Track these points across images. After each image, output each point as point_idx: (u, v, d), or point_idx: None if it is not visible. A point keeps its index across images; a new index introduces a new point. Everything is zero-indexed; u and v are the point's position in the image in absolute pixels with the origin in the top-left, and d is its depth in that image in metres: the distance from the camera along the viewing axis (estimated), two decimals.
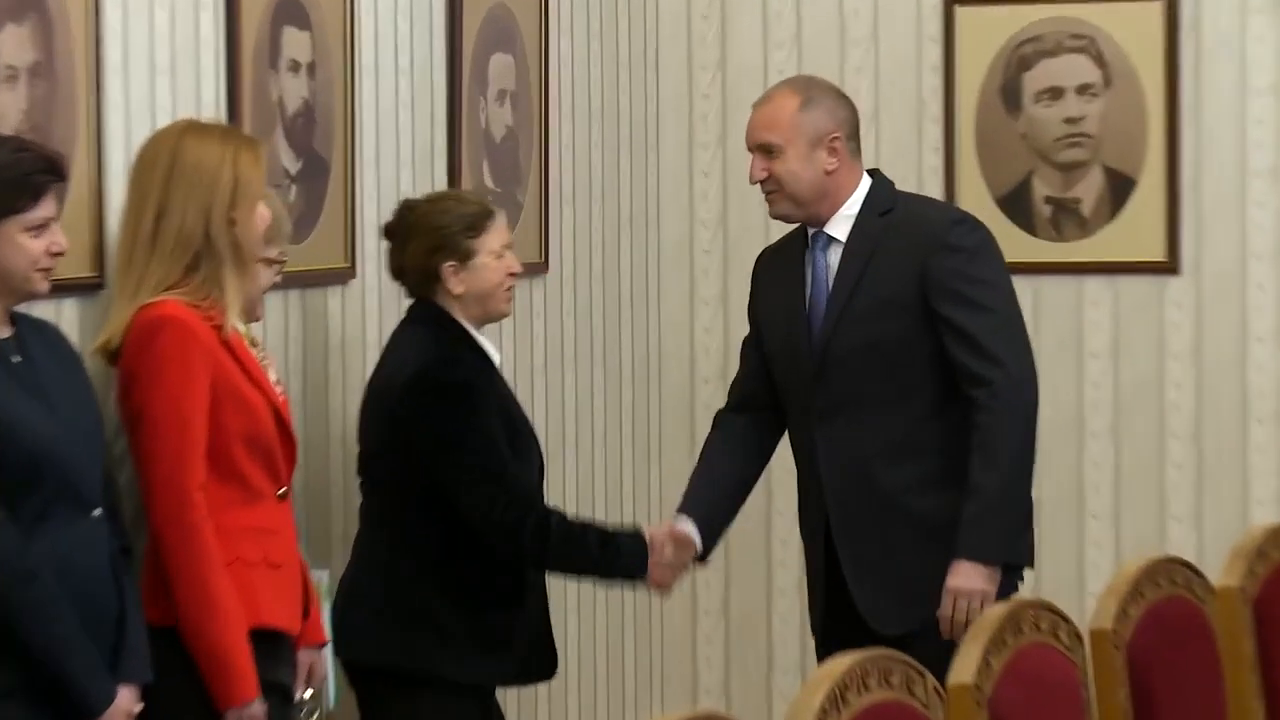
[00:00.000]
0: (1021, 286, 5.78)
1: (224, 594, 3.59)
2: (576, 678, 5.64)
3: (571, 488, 5.60)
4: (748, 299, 4.66)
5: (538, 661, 4.26)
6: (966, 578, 4.30)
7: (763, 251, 4.68)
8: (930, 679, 3.09)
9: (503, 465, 4.09)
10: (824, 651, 4.44)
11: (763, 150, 4.41)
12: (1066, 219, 5.84)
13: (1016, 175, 5.86)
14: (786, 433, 4.58)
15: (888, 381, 4.37)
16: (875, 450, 4.36)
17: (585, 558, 4.16)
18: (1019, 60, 5.84)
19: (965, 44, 5.85)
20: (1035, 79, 5.83)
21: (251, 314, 4.03)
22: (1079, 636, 3.49)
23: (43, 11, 3.78)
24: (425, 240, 4.22)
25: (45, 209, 3.36)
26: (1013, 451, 4.35)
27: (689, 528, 4.43)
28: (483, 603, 4.12)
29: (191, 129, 3.72)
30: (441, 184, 5.03)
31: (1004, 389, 4.31)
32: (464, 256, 4.20)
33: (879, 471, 4.36)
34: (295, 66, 4.50)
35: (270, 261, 4.00)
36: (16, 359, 3.36)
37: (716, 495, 4.53)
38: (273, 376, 3.77)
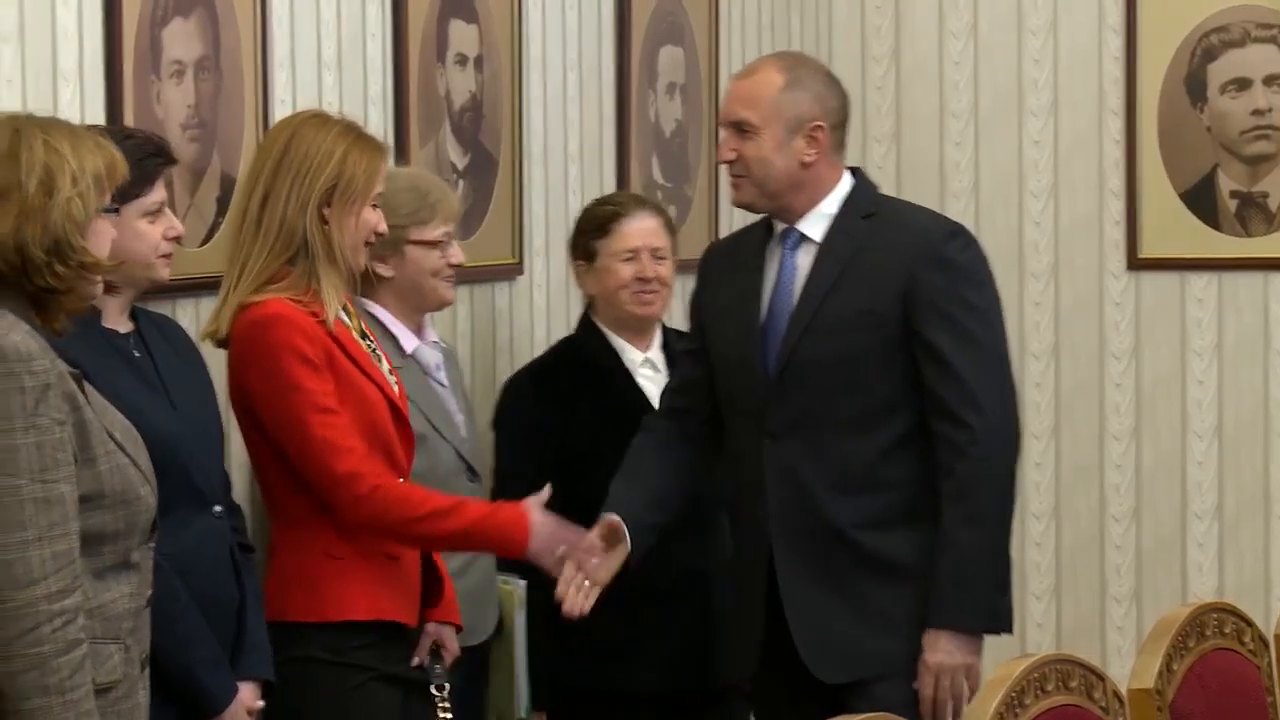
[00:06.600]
0: (1205, 282, 5.74)
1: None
2: None
3: None
4: (690, 300, 4.11)
5: (681, 674, 4.24)
6: (947, 653, 3.78)
7: (712, 246, 4.19)
8: (1110, 682, 3.03)
9: None
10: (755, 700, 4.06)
11: (735, 128, 3.88)
12: (1253, 213, 5.71)
13: (1201, 169, 5.73)
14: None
15: (854, 403, 3.83)
16: (830, 480, 3.82)
17: None
18: (1204, 50, 5.71)
19: (1148, 34, 5.74)
20: (1221, 70, 5.70)
21: (432, 302, 4.02)
22: (1264, 641, 3.44)
23: (209, 6, 3.79)
24: None
25: (159, 193, 3.35)
26: (994, 505, 3.81)
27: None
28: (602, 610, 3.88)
29: (313, 119, 3.64)
30: (610, 182, 4.99)
31: (985, 435, 3.78)
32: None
33: (828, 503, 3.82)
34: (462, 60, 4.48)
35: (430, 244, 3.97)
36: (138, 354, 3.36)
37: (641, 498, 3.92)
38: (385, 367, 3.72)
